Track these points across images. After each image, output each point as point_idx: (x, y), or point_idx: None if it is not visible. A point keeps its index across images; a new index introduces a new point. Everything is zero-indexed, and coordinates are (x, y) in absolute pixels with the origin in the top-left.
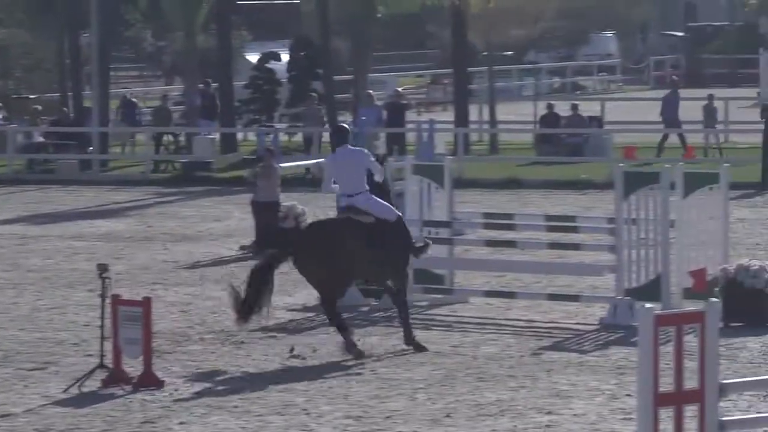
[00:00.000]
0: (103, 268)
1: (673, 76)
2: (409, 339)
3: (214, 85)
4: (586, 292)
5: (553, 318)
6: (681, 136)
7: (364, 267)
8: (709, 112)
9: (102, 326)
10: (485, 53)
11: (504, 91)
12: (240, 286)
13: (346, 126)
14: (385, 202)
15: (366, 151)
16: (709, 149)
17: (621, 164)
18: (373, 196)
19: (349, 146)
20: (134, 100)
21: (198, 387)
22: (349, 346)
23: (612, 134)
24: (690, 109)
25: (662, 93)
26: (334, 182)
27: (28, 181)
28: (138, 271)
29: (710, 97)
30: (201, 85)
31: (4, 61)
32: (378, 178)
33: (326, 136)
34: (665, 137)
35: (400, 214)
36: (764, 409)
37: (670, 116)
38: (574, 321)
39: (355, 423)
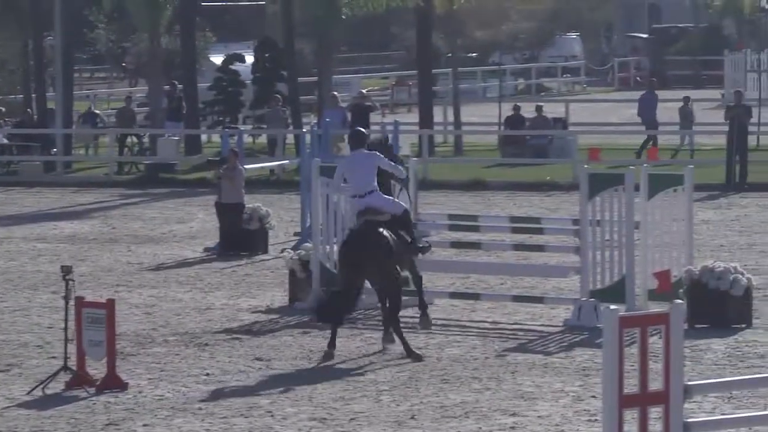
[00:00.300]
0: (66, 270)
1: (637, 78)
2: (425, 318)
3: (180, 86)
4: (551, 293)
5: (517, 319)
6: (655, 138)
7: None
8: (685, 114)
9: (66, 328)
10: (449, 55)
11: (468, 93)
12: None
13: (363, 130)
14: (391, 198)
15: (379, 154)
16: (680, 150)
17: (586, 166)
18: (382, 194)
19: (365, 150)
20: (97, 111)
21: (162, 389)
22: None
23: (576, 136)
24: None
25: (626, 95)
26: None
27: None
28: (102, 273)
29: (686, 99)
30: (167, 87)
31: None
32: (400, 175)
33: (290, 138)
34: (649, 139)
35: (407, 207)
36: (729, 411)
37: (648, 117)
38: (539, 322)
39: (320, 425)
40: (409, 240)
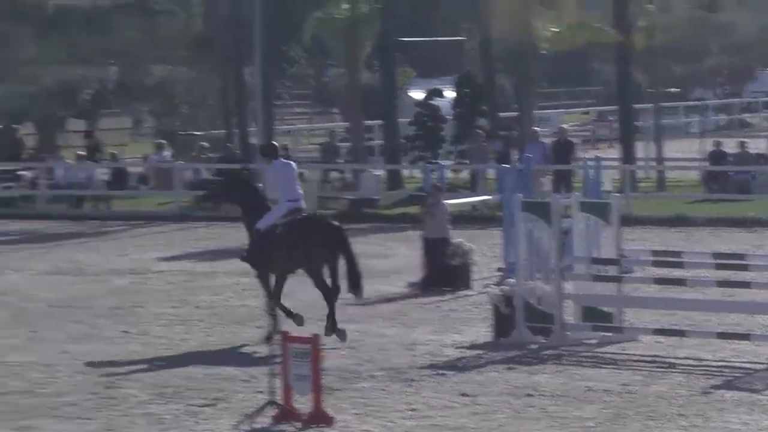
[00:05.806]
0: (271, 306)
1: None
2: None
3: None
4: (757, 330)
5: (722, 356)
6: None
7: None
8: None
9: (272, 363)
10: (650, 90)
11: (670, 128)
12: None
13: (274, 143)
14: None
15: (293, 164)
16: None
17: None
18: None
19: (283, 160)
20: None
21: (368, 424)
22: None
23: None
24: None
25: None
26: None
27: (196, 217)
28: (306, 308)
29: None
30: (501, 133)
31: (169, 98)
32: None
33: (491, 173)
34: None
35: None
36: None
37: None
38: (744, 359)
39: None
40: None
